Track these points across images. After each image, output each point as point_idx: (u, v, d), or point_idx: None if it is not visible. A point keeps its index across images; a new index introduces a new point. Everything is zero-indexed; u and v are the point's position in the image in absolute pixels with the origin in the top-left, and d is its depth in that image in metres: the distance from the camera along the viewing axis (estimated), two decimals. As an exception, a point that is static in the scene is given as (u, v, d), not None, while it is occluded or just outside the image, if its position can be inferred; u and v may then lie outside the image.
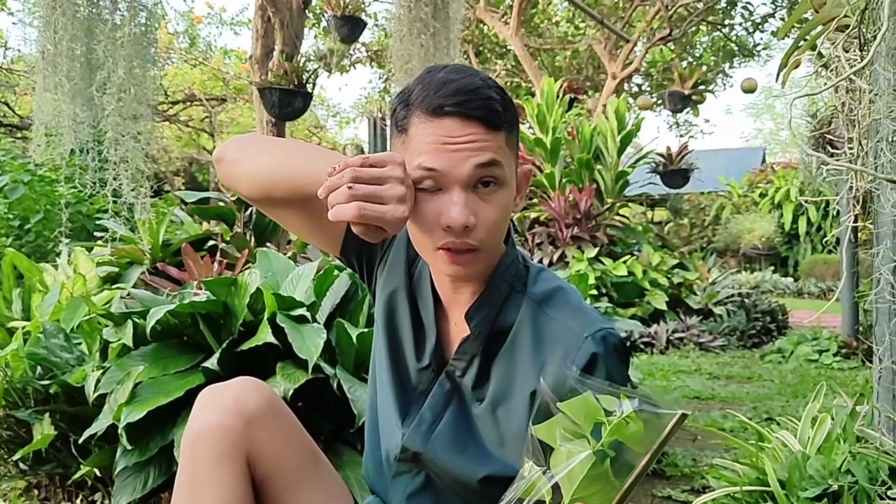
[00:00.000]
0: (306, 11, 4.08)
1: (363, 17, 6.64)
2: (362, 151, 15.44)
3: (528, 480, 0.74)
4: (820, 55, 2.58)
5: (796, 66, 2.91)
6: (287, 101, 3.72)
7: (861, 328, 5.33)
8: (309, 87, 3.73)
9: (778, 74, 2.98)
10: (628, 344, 5.83)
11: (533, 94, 10.05)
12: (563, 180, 7.63)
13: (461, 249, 1.00)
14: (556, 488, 0.73)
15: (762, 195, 15.10)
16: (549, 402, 0.76)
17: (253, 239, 3.77)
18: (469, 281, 1.08)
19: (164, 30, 11.35)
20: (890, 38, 1.22)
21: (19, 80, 9.22)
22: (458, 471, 1.10)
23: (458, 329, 1.13)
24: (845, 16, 1.92)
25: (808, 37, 2.70)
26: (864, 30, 1.79)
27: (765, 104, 35.19)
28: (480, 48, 11.35)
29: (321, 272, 2.62)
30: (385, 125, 12.12)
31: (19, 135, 9.84)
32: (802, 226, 13.77)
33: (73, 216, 5.26)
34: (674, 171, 8.38)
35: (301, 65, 3.72)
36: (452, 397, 1.12)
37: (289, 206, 1.17)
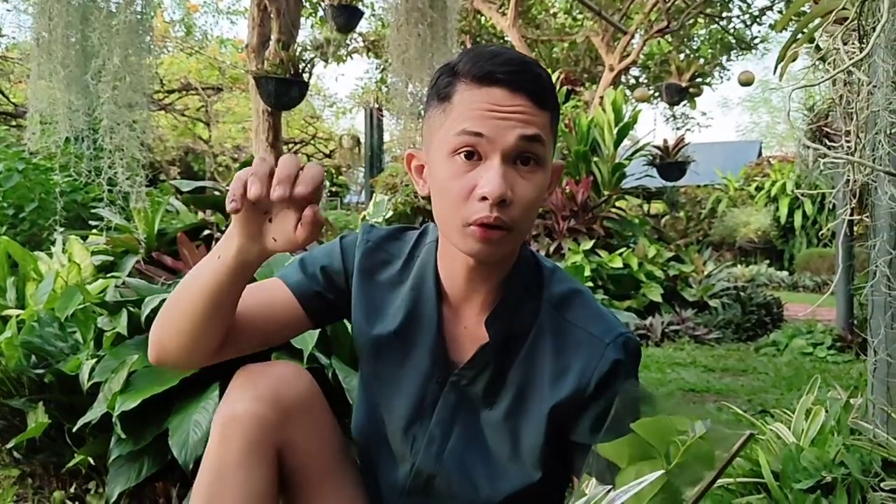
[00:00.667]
0: (303, 0, 4.06)
1: (360, 6, 6.62)
2: (358, 142, 15.42)
3: (590, 498, 0.72)
4: (818, 48, 2.57)
5: (794, 59, 2.91)
6: (283, 91, 3.70)
7: (856, 321, 5.34)
8: (305, 76, 3.71)
9: (775, 68, 2.97)
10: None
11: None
12: (560, 172, 7.61)
13: (493, 225, 0.95)
14: None
15: (758, 189, 15.12)
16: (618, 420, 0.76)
17: (249, 228, 3.77)
18: (490, 268, 1.03)
19: (159, 18, 11.30)
20: (889, 29, 1.21)
21: (14, 68, 9.18)
22: (477, 494, 1.06)
23: (469, 333, 1.08)
24: (843, 8, 1.91)
25: (805, 29, 2.70)
26: (863, 22, 1.78)
27: (762, 97, 35.19)
28: (478, 39, 11.32)
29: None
30: (381, 115, 12.09)
31: (14, 123, 9.81)
32: (798, 219, 13.79)
33: (67, 204, 5.24)
34: (670, 164, 8.38)
35: (297, 54, 3.70)
36: (459, 409, 1.08)
37: (234, 332, 1.09)
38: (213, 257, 0.99)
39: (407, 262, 1.14)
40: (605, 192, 7.66)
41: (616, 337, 1.03)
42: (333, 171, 20.09)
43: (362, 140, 13.53)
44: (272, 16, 3.88)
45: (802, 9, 3.03)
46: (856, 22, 1.79)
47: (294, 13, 3.90)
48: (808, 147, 1.90)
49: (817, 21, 2.55)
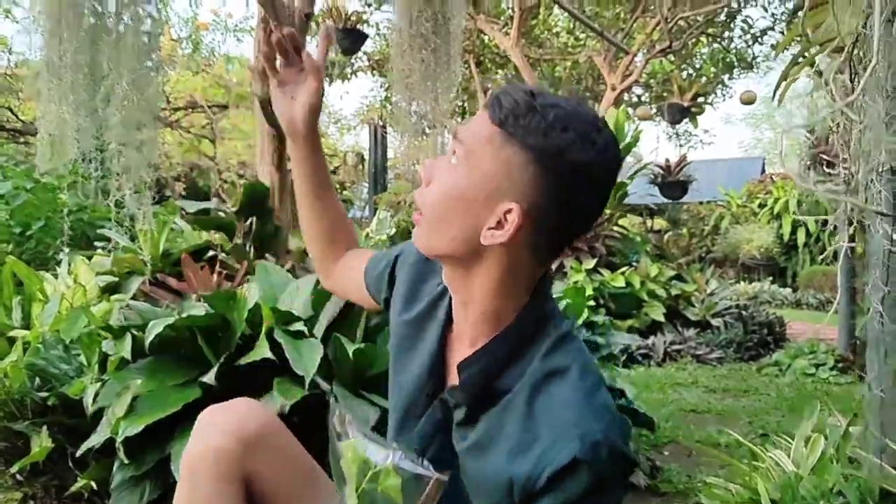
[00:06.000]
0: (309, 22, 4.10)
1: (365, 28, 6.68)
2: (363, 159, 15.49)
3: None
4: (819, 73, 2.61)
5: (794, 82, 2.94)
6: (288, 113, 3.71)
7: (858, 342, 5.34)
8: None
9: (775, 91, 3.01)
10: (625, 356, 5.83)
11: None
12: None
13: (418, 207, 1.03)
14: None
15: (761, 206, 15.12)
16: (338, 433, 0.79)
17: (252, 250, 3.79)
18: (468, 310, 1.04)
19: (167, 36, 11.38)
20: (880, 70, 1.24)
21: (22, 85, 9.26)
22: None
23: (458, 359, 1.07)
24: (840, 43, 1.94)
25: (806, 54, 2.72)
26: (859, 53, 1.82)
27: (764, 114, 35.23)
28: (481, 58, 11.40)
29: (319, 285, 2.64)
30: (385, 133, 12.15)
31: (22, 139, 9.89)
32: (801, 237, 13.78)
33: (73, 223, 5.28)
34: (672, 183, 8.41)
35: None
36: (441, 428, 1.08)
37: (335, 259, 1.42)
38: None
39: None
40: (608, 211, 7.67)
41: (590, 433, 0.89)
42: (338, 186, 20.17)
43: (366, 157, 13.58)
44: (277, 39, 3.92)
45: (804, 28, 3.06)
46: (851, 54, 1.82)
47: (300, 32, 3.94)
48: (806, 178, 1.92)
49: (817, 48, 2.58)
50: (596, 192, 0.96)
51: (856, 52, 1.54)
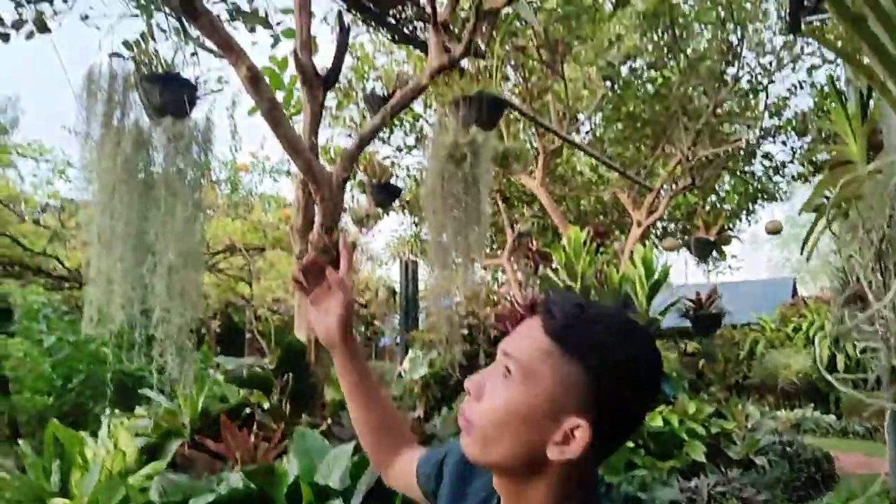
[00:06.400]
0: (346, 183, 4.32)
1: (395, 169, 6.99)
2: (394, 294, 15.68)
3: None
4: (834, 235, 2.70)
5: (819, 239, 3.02)
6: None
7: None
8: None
9: (802, 246, 3.10)
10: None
11: (561, 237, 10.27)
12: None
13: (465, 416, 1.02)
14: None
15: (796, 329, 14.85)
16: None
17: (289, 407, 3.83)
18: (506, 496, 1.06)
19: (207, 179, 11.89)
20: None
21: (70, 236, 9.70)
22: None
23: None
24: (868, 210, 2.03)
25: (832, 212, 2.79)
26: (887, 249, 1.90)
27: (791, 234, 35.21)
28: (507, 195, 11.74)
29: (356, 455, 2.66)
30: (416, 266, 12.37)
31: (66, 285, 10.25)
32: (841, 362, 13.43)
33: (115, 374, 5.38)
34: (705, 316, 8.37)
35: (340, 237, 3.92)
36: None
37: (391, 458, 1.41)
38: None
39: None
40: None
41: None
42: (369, 318, 20.31)
43: (398, 290, 13.75)
44: (317, 201, 4.13)
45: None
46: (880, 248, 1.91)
47: (338, 198, 4.15)
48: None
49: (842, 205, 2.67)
50: (651, 394, 1.00)
51: (883, 246, 1.61)
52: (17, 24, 5.08)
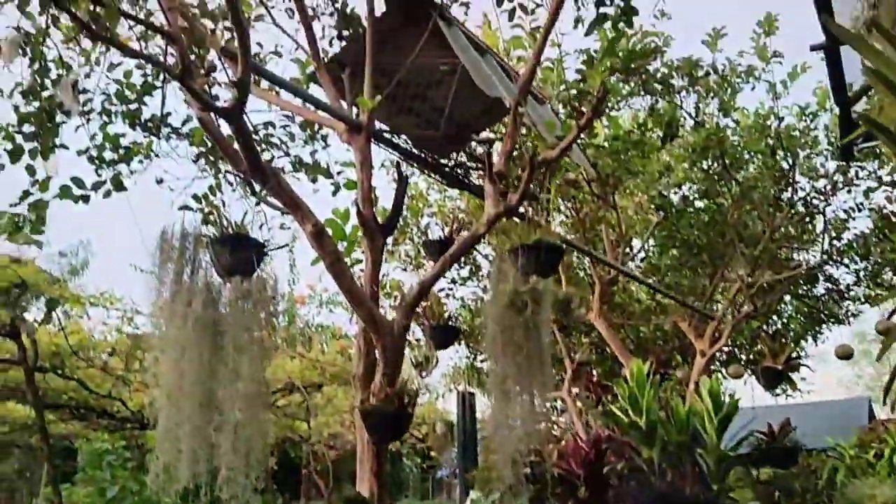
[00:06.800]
0: (407, 335, 4.37)
1: (450, 301, 7.01)
2: (451, 428, 15.39)
3: None
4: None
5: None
6: (388, 425, 3.87)
7: None
8: (409, 408, 3.90)
9: (879, 357, 2.94)
10: None
11: (622, 365, 10.05)
12: (663, 465, 7.31)
13: None
14: None
15: (877, 456, 13.93)
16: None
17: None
18: None
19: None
20: None
21: (134, 378, 9.95)
22: None
23: None
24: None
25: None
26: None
27: (860, 350, 33.78)
28: (564, 324, 11.63)
29: None
30: (473, 399, 12.16)
31: (129, 426, 10.40)
32: (934, 495, 12.45)
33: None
34: (778, 449, 7.94)
35: (403, 386, 3.93)
36: None
37: None
38: None
39: None
40: (714, 485, 7.23)
41: None
42: (426, 450, 19.88)
43: (455, 422, 13.50)
44: (378, 349, 4.16)
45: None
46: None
47: (398, 345, 4.18)
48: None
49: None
50: None
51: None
52: (97, 185, 5.39)
